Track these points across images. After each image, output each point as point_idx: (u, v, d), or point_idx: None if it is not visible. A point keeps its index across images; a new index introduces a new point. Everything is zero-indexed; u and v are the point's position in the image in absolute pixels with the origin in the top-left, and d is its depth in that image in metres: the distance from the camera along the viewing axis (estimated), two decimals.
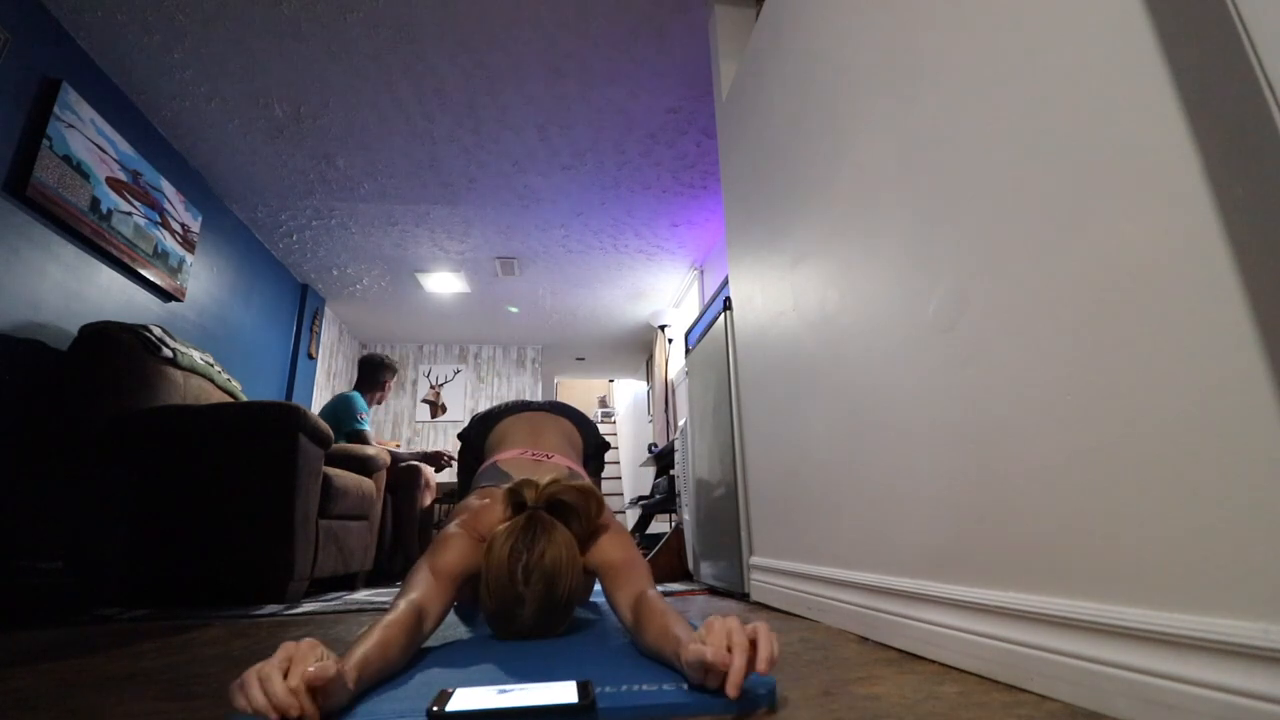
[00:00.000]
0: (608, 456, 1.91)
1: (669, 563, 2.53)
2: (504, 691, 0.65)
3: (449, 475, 5.18)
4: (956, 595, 0.82)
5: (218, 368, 2.48)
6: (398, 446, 3.50)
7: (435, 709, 0.60)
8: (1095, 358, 0.63)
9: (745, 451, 1.82)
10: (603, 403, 9.39)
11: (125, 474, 1.65)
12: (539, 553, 0.97)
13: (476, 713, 0.60)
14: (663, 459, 3.50)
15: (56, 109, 2.16)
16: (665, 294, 4.74)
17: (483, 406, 5.93)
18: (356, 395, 3.04)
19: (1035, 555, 0.70)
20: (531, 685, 0.67)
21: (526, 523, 1.01)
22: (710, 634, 0.67)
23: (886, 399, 1.04)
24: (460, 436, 1.68)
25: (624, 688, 0.69)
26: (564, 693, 0.64)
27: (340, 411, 2.93)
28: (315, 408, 4.58)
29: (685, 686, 0.68)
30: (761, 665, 0.62)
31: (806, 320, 1.38)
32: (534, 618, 0.98)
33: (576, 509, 1.05)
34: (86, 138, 2.31)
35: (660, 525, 4.06)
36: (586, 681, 0.67)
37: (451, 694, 0.65)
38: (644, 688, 0.69)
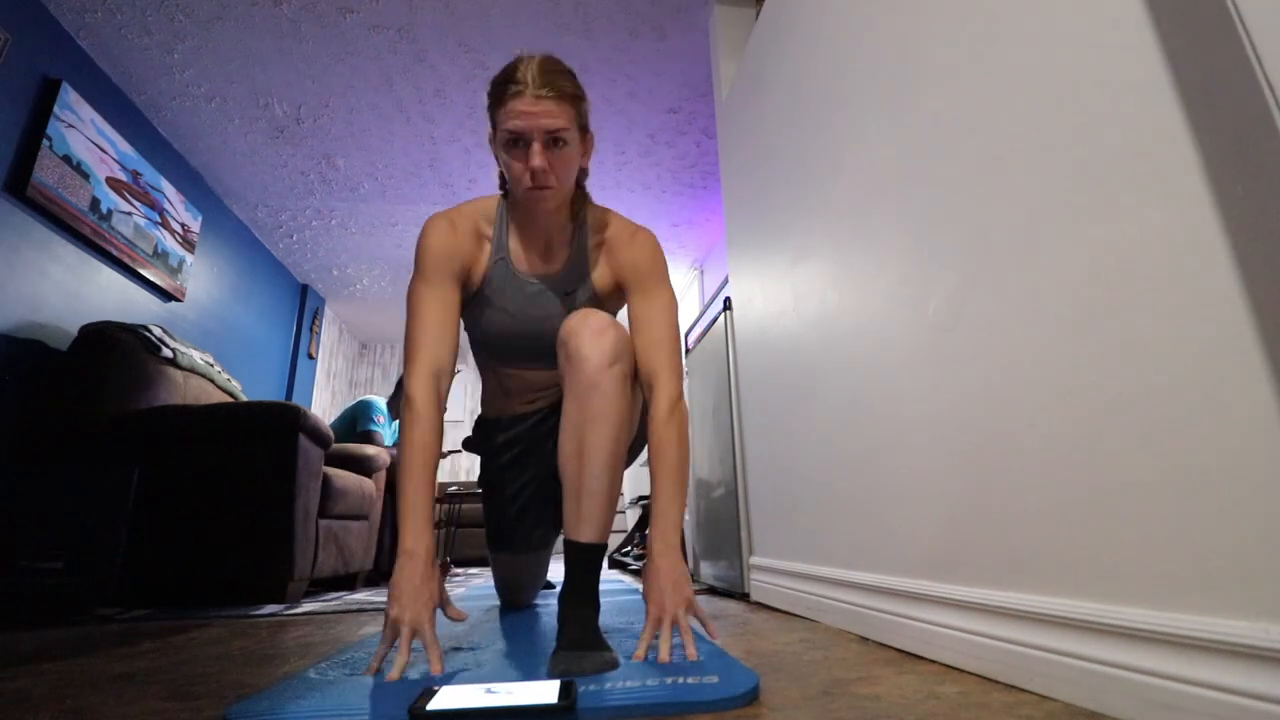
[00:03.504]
0: None
1: None
2: (487, 691, 0.65)
3: (447, 474, 5.18)
4: (956, 595, 0.82)
5: (218, 368, 2.48)
6: None
7: (418, 707, 0.61)
8: (1095, 358, 0.63)
9: (745, 451, 1.82)
10: None
11: (125, 474, 1.65)
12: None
13: (458, 712, 0.60)
14: None
15: (56, 109, 2.16)
16: None
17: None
18: (376, 400, 3.07)
19: (1035, 555, 0.70)
20: (515, 685, 0.68)
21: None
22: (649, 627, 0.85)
23: (886, 399, 1.04)
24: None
25: (608, 685, 0.69)
26: (546, 692, 0.64)
27: (359, 414, 2.98)
28: (315, 408, 4.58)
29: (669, 681, 0.70)
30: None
31: (806, 320, 1.38)
32: (533, 60, 0.93)
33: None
34: (86, 138, 2.31)
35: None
36: (570, 681, 0.67)
37: (435, 692, 0.65)
38: (627, 684, 0.69)
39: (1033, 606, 0.69)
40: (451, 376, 0.98)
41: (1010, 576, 0.74)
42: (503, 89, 0.92)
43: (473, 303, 1.09)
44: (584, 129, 1.00)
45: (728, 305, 2.00)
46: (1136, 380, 0.58)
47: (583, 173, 1.08)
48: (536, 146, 0.93)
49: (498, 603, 1.57)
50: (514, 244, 1.09)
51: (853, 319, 1.16)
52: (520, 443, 1.26)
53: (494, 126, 0.98)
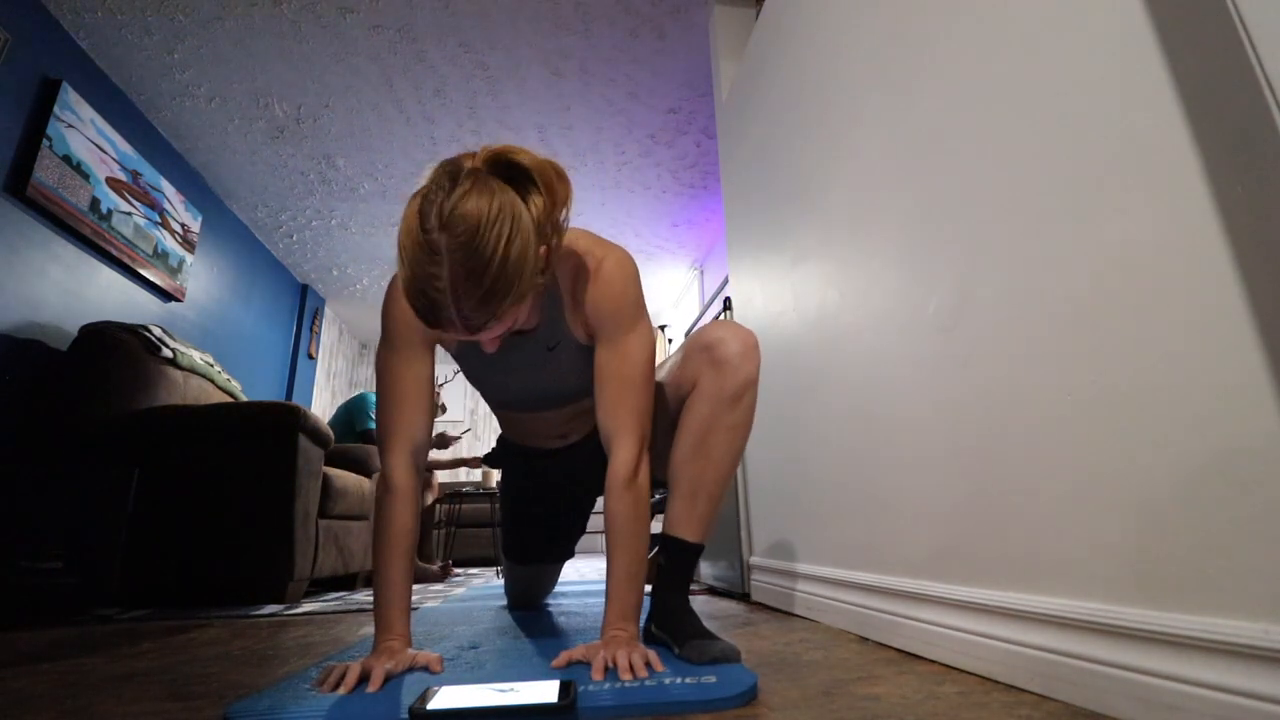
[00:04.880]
0: None
1: None
2: (488, 690, 0.66)
3: (450, 475, 5.18)
4: (956, 595, 0.82)
5: (218, 368, 2.48)
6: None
7: (417, 706, 0.61)
8: (1095, 358, 0.63)
9: (745, 451, 1.82)
10: None
11: (125, 474, 1.65)
12: (459, 195, 0.69)
13: (458, 711, 0.60)
14: None
15: (56, 109, 2.16)
16: (665, 294, 4.74)
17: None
18: (371, 394, 3.04)
19: (1035, 555, 0.70)
20: (515, 684, 0.68)
21: (451, 171, 0.72)
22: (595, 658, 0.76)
23: (886, 399, 1.04)
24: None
25: (607, 685, 0.69)
26: (546, 692, 0.64)
27: (355, 411, 2.94)
28: (315, 408, 4.58)
29: (667, 681, 0.70)
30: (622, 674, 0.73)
31: (806, 320, 1.38)
32: (455, 287, 0.68)
33: (533, 176, 0.75)
34: (86, 138, 2.31)
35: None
36: (569, 681, 0.67)
37: (435, 692, 0.65)
38: (626, 684, 0.70)
39: (1033, 606, 0.69)
40: (428, 445, 0.93)
41: (1010, 576, 0.74)
42: (428, 316, 0.72)
43: (460, 361, 1.01)
44: (541, 270, 0.78)
45: (728, 305, 2.00)
46: (1136, 380, 0.58)
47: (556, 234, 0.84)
48: (486, 343, 0.81)
49: (502, 603, 1.58)
50: None
51: (853, 319, 1.16)
52: (558, 471, 1.20)
53: None
